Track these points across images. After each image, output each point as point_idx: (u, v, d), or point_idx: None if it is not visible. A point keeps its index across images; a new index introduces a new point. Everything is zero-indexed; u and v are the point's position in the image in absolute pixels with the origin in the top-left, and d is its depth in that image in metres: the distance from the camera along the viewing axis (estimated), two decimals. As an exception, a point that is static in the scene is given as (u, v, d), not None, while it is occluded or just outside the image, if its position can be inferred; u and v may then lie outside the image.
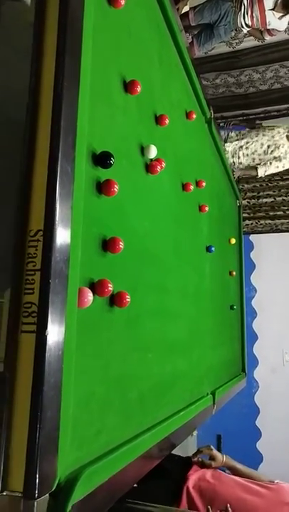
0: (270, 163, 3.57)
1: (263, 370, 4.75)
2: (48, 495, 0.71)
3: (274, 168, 3.58)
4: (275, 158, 3.55)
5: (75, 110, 0.87)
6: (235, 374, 3.15)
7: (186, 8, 3.28)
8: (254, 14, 3.07)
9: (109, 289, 0.97)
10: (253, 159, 3.65)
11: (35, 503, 0.68)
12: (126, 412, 1.12)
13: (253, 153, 3.61)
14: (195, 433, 4.72)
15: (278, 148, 3.52)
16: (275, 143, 3.53)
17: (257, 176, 3.70)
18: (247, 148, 3.59)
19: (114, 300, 1.05)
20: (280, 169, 3.64)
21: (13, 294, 0.78)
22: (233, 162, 3.67)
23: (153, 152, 1.34)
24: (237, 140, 3.61)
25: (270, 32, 3.27)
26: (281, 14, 3.08)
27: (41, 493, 0.69)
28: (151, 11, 1.56)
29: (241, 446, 4.61)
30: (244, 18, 3.15)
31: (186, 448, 4.45)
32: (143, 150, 1.34)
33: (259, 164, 3.62)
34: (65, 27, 0.87)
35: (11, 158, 1.06)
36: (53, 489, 0.73)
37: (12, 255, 0.79)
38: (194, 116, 2.00)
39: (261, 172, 3.64)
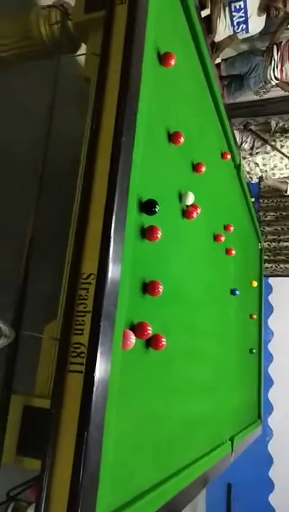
0: None
1: (278, 417, 4.60)
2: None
3: None
4: None
5: (130, 162, 0.93)
6: (252, 420, 3.07)
7: (218, 60, 3.45)
8: (284, 68, 3.21)
9: (149, 331, 1.00)
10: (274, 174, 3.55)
11: None
12: (156, 456, 1.12)
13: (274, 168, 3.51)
14: (205, 479, 4.55)
15: None
16: None
17: (286, 191, 3.58)
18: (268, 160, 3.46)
19: (151, 342, 1.07)
20: None
21: (62, 334, 0.81)
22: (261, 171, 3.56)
23: (190, 199, 1.40)
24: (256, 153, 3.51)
25: None
26: None
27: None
28: (194, 66, 1.67)
29: (252, 498, 4.42)
30: (274, 71, 3.30)
31: (196, 501, 4.28)
32: (181, 196, 1.40)
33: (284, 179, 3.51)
34: (127, 88, 0.94)
35: (62, 203, 1.12)
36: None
37: (65, 297, 0.83)
38: (229, 156, 2.09)
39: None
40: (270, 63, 3.29)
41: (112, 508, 0.86)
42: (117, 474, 0.88)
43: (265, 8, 2.91)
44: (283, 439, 4.55)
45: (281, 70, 3.23)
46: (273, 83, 3.48)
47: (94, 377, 0.75)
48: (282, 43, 3.30)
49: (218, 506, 4.49)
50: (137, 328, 0.97)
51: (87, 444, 0.72)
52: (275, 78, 3.28)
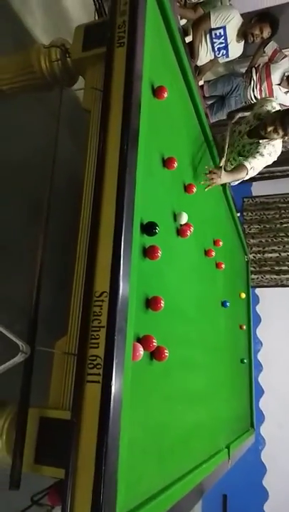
0: None
1: (270, 426, 4.67)
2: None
3: None
4: None
5: (134, 189, 1.02)
6: (246, 429, 3.15)
7: (201, 82, 3.61)
8: (262, 88, 3.38)
9: (154, 344, 1.08)
10: None
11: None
12: (160, 461, 1.20)
13: None
14: (200, 491, 4.58)
15: None
16: None
17: None
18: None
19: (154, 354, 1.15)
20: None
21: (79, 348, 0.89)
22: None
23: (184, 218, 1.50)
24: None
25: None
26: (286, 90, 3.38)
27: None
28: (183, 98, 1.79)
29: (248, 508, 4.46)
30: (253, 91, 3.47)
31: (193, 508, 4.31)
32: (175, 216, 1.50)
33: None
34: (129, 120, 1.04)
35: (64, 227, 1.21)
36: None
37: (81, 314, 0.91)
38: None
39: None
40: (250, 83, 3.47)
41: (126, 510, 0.93)
42: (129, 478, 0.95)
43: (243, 34, 3.08)
44: (276, 447, 4.62)
45: (260, 89, 3.41)
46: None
47: (111, 386, 0.83)
48: (260, 66, 3.49)
49: (214, 518, 4.52)
50: (143, 341, 1.06)
51: (107, 449, 0.80)
52: (255, 98, 3.45)
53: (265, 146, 2.32)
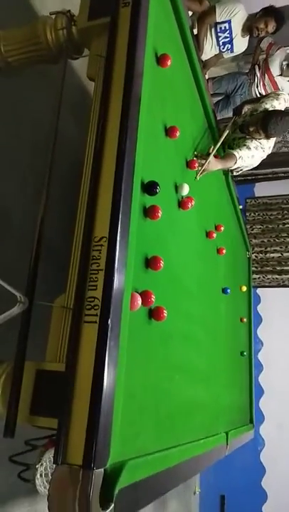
0: None
1: (269, 427, 4.63)
2: (102, 469, 0.78)
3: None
4: None
5: (135, 147, 1.03)
6: (245, 423, 3.12)
7: (205, 77, 3.64)
8: (265, 83, 3.41)
9: (153, 299, 1.08)
10: None
11: (93, 473, 0.75)
12: (158, 424, 1.19)
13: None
14: (198, 491, 4.53)
15: None
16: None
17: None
18: None
19: (153, 313, 1.15)
20: None
21: (77, 290, 0.89)
22: None
23: (186, 190, 1.50)
24: None
25: None
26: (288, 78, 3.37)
27: (97, 466, 0.76)
28: (186, 73, 1.81)
29: (246, 509, 4.40)
30: (257, 87, 3.50)
31: (189, 507, 4.26)
32: (177, 188, 1.50)
33: None
34: (131, 83, 1.05)
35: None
36: (107, 466, 0.79)
37: (79, 257, 0.91)
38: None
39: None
40: (254, 80, 3.50)
41: (120, 458, 0.92)
42: (125, 430, 0.95)
43: (248, 29, 3.11)
44: (275, 448, 4.57)
45: (263, 84, 3.44)
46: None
47: (108, 326, 0.83)
48: (260, 62, 3.53)
49: (211, 518, 4.46)
50: (142, 295, 1.06)
51: (103, 387, 0.79)
52: (260, 94, 3.48)
53: (252, 140, 2.40)
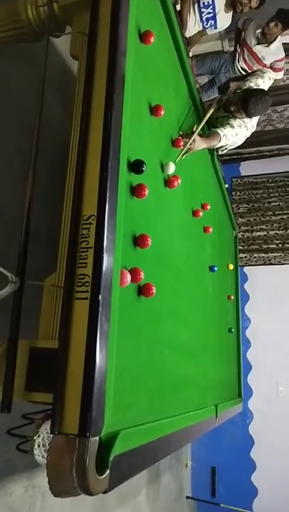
0: None
1: (258, 401, 4.77)
2: (97, 437, 0.82)
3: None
4: None
5: (120, 128, 1.04)
6: (233, 397, 3.21)
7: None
8: (246, 57, 3.39)
9: (141, 276, 1.11)
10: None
11: (88, 441, 0.78)
12: (149, 397, 1.23)
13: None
14: (189, 464, 4.67)
15: None
16: None
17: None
18: None
19: (142, 290, 1.18)
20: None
21: (67, 268, 0.91)
22: None
23: (172, 169, 1.51)
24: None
25: (273, 68, 3.48)
26: (266, 44, 3.32)
27: (93, 435, 0.80)
28: (170, 51, 1.80)
29: (236, 479, 4.56)
30: (239, 62, 3.48)
31: (181, 479, 4.40)
32: (163, 167, 1.52)
33: None
34: (115, 61, 1.05)
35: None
36: (102, 435, 0.83)
37: (68, 236, 0.92)
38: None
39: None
40: (235, 57, 3.48)
41: (114, 428, 0.96)
42: (118, 400, 0.98)
43: (231, 4, 3.08)
44: (263, 421, 4.72)
45: (244, 59, 3.42)
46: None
47: (99, 301, 0.85)
48: (241, 39, 3.49)
49: (203, 489, 4.62)
50: (131, 272, 1.08)
51: (95, 358, 0.82)
52: (243, 69, 3.46)
53: (235, 119, 2.40)
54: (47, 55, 1.37)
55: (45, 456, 0.80)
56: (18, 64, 1.90)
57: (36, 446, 0.86)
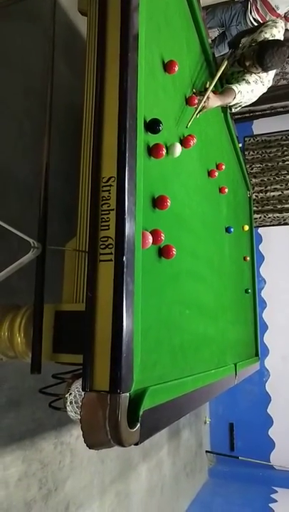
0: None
1: (274, 359, 4.86)
2: (127, 393, 0.84)
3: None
4: None
5: (136, 87, 1.00)
6: (251, 356, 3.27)
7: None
8: (258, 6, 3.22)
9: (162, 238, 1.11)
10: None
11: (120, 396, 0.81)
12: (173, 355, 1.26)
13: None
14: (208, 421, 4.84)
15: None
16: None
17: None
18: None
19: (163, 251, 1.18)
20: None
21: (91, 231, 0.91)
22: None
23: (178, 150, 1.41)
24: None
25: (287, 18, 3.31)
26: None
27: (123, 391, 0.82)
28: (181, 0, 1.71)
29: (253, 434, 4.72)
30: (251, 13, 3.31)
31: (201, 435, 4.57)
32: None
33: None
34: (128, 16, 1.01)
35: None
36: (131, 391, 0.86)
37: (90, 200, 0.92)
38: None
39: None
40: (247, 7, 3.31)
41: (142, 385, 0.99)
42: (144, 358, 1.01)
43: None
44: (279, 378, 4.82)
45: (256, 9, 3.25)
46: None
47: (123, 262, 0.86)
48: None
49: (222, 444, 4.80)
50: (152, 233, 1.08)
51: (123, 317, 0.84)
52: (255, 20, 3.30)
53: (251, 74, 2.29)
54: (54, 11, 1.32)
55: (78, 412, 0.83)
56: (21, 23, 1.83)
57: (68, 403, 0.90)
